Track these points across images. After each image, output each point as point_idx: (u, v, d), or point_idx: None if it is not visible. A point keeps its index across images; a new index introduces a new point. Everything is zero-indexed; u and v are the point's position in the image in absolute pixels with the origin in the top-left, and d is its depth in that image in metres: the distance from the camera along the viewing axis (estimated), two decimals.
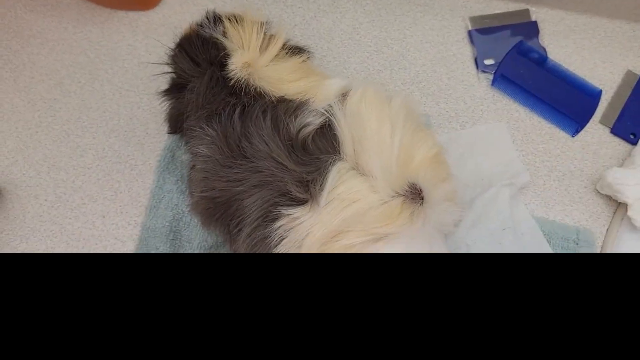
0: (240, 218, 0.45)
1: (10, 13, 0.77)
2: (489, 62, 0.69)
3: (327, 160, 0.43)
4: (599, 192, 0.62)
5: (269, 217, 0.43)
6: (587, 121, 0.65)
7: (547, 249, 0.59)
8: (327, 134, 0.45)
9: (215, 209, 0.47)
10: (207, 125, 0.47)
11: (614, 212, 0.61)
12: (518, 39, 0.69)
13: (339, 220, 0.41)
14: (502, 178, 0.61)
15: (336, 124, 0.44)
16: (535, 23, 0.70)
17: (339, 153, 0.43)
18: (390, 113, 0.45)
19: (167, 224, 0.63)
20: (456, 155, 0.63)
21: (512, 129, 0.66)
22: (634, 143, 0.64)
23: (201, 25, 0.53)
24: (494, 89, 0.68)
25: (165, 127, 0.58)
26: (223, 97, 0.48)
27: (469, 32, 0.70)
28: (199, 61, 0.51)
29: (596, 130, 0.65)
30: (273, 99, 0.47)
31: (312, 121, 0.45)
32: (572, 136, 0.65)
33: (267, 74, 0.49)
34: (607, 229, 0.61)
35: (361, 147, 0.43)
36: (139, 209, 0.65)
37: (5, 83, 0.72)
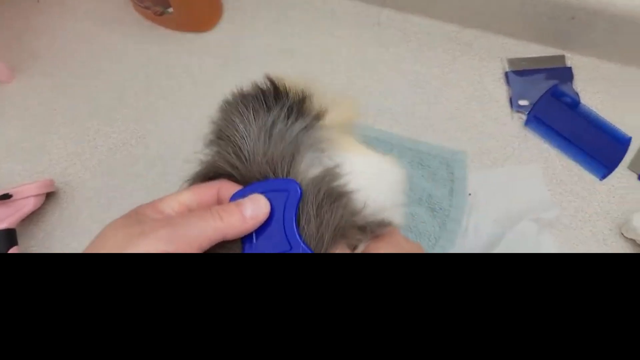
0: None
1: (82, 25, 0.83)
2: (523, 102, 0.72)
3: None
4: (624, 235, 0.64)
5: None
6: (616, 166, 0.68)
7: None
8: None
9: None
10: None
11: None
12: (553, 82, 0.72)
13: None
14: (531, 213, 0.64)
15: None
16: (570, 69, 0.73)
17: None
18: None
19: None
20: (489, 193, 0.66)
21: (542, 169, 0.69)
22: None
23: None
24: (526, 128, 0.71)
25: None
26: None
27: (506, 73, 0.74)
28: None
29: (624, 175, 0.68)
30: None
31: None
32: (600, 179, 0.68)
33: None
34: None
35: None
36: None
37: (72, 89, 0.78)
